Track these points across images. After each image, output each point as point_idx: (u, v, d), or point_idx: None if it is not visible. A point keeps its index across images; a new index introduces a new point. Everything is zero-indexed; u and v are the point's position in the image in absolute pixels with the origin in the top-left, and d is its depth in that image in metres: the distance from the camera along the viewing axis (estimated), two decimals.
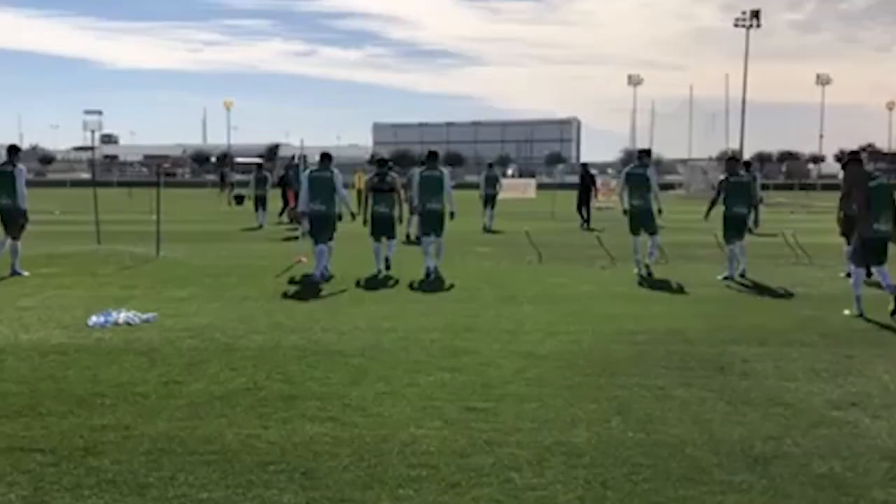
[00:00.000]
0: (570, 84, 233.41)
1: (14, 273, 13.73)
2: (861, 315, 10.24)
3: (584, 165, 30.87)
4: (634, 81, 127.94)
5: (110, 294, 11.84)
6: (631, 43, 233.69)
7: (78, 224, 20.13)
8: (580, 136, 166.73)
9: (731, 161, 15.79)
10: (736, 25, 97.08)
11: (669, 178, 75.27)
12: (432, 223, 14.34)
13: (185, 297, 11.56)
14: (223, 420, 6.06)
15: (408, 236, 19.34)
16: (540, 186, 58.15)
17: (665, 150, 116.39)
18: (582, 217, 26.86)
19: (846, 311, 10.49)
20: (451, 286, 12.85)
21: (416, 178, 14.68)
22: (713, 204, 14.45)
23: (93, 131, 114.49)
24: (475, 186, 29.60)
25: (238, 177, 56.83)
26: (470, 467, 5.14)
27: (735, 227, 14.02)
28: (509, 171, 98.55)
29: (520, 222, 26.36)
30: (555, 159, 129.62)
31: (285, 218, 26.53)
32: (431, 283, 13.21)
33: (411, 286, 12.89)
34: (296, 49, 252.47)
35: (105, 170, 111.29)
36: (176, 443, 5.57)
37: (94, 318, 9.63)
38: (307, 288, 12.56)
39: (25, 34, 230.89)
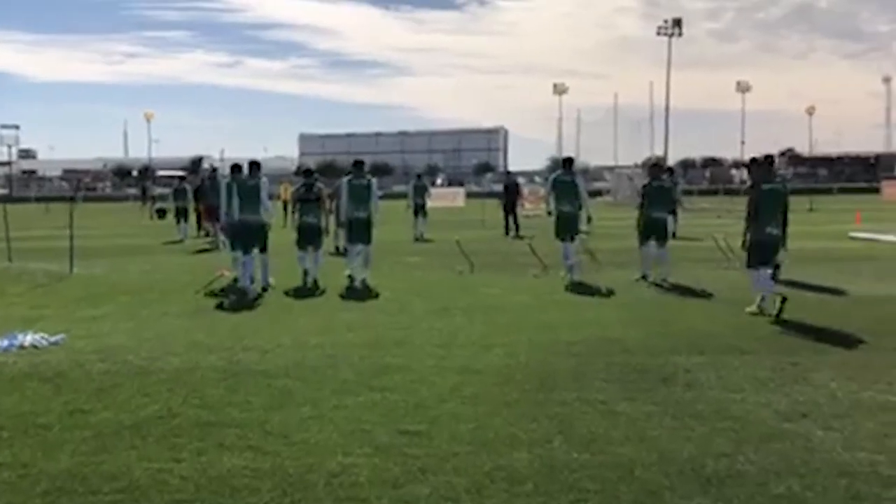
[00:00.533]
0: (497, 94, 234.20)
1: None
2: (762, 313, 10.38)
3: (509, 173, 30.78)
4: (560, 90, 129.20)
5: (18, 314, 11.12)
6: (555, 53, 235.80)
7: None
8: (507, 145, 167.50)
9: (655, 167, 15.95)
10: (658, 34, 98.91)
11: (597, 185, 75.89)
12: (361, 232, 14.21)
13: (99, 317, 10.91)
14: (132, 453, 5.53)
15: (336, 248, 18.83)
16: (469, 195, 58.12)
17: (591, 157, 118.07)
18: (507, 225, 26.68)
19: (747, 309, 10.61)
20: (380, 297, 12.42)
21: (345, 187, 14.51)
22: (642, 209, 14.46)
23: (9, 146, 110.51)
24: (404, 196, 29.16)
25: (160, 190, 55.53)
26: (404, 499, 4.73)
27: (656, 231, 14.16)
28: (438, 181, 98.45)
29: (450, 231, 26.04)
30: (483, 168, 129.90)
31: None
32: (359, 293, 12.79)
33: (340, 297, 12.48)
34: (220, 60, 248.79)
35: (23, 185, 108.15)
36: (78, 481, 5.04)
37: None
38: (230, 303, 12.01)
39: None
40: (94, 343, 9.09)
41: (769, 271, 10.93)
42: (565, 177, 14.77)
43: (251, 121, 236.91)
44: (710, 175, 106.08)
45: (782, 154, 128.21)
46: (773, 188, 10.92)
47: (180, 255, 20.45)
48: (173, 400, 6.77)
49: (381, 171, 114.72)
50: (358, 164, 14.79)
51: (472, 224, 30.22)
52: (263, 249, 13.65)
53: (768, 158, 11.58)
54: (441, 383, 7.26)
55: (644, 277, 13.91)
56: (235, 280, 13.76)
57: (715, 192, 61.95)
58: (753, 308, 10.63)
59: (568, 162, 15.38)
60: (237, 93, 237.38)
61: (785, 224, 10.84)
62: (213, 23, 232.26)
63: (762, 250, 10.81)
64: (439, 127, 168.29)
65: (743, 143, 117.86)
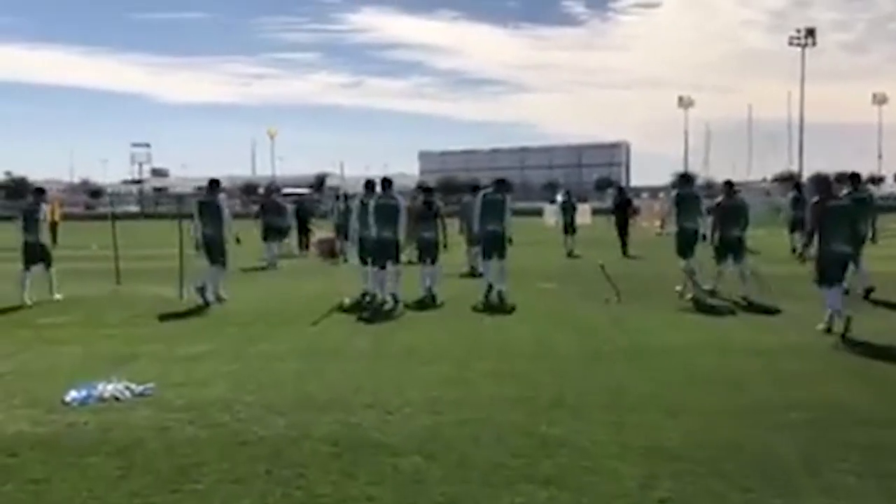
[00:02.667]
0: (619, 109, 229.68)
1: None
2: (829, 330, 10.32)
3: (622, 189, 28.91)
4: (685, 103, 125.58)
5: (110, 351, 9.79)
6: (679, 67, 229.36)
7: (111, 260, 18.29)
8: (630, 160, 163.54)
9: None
10: (790, 44, 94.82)
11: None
12: (495, 245, 14.33)
13: (199, 356, 9.46)
14: None
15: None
16: (593, 212, 55.83)
17: (719, 172, 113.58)
18: (624, 246, 24.85)
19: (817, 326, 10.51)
20: (518, 334, 10.62)
21: (479, 201, 14.73)
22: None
23: (140, 163, 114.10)
24: (526, 213, 27.40)
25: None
26: None
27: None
28: (558, 197, 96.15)
29: (584, 250, 24.49)
30: (605, 184, 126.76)
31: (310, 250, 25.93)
32: (497, 328, 10.99)
33: (474, 333, 10.72)
34: (343, 80, 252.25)
35: (154, 202, 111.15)
36: None
37: (73, 393, 7.51)
38: (346, 338, 10.43)
39: (75, 71, 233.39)
40: (187, 395, 7.58)
41: (840, 289, 10.68)
42: (686, 191, 14.70)
43: (372, 139, 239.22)
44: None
45: None
46: (839, 205, 10.77)
47: (293, 277, 19.01)
48: (270, 491, 5.12)
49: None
50: (499, 182, 15.19)
51: (605, 243, 27.89)
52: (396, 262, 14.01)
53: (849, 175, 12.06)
54: (625, 472, 5.39)
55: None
56: (359, 300, 14.05)
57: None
58: (822, 326, 10.54)
59: (686, 178, 15.37)
60: (359, 112, 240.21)
61: (856, 241, 10.86)
62: (338, 44, 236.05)
63: (831, 268, 10.57)
64: (559, 143, 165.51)
65: (880, 157, 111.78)
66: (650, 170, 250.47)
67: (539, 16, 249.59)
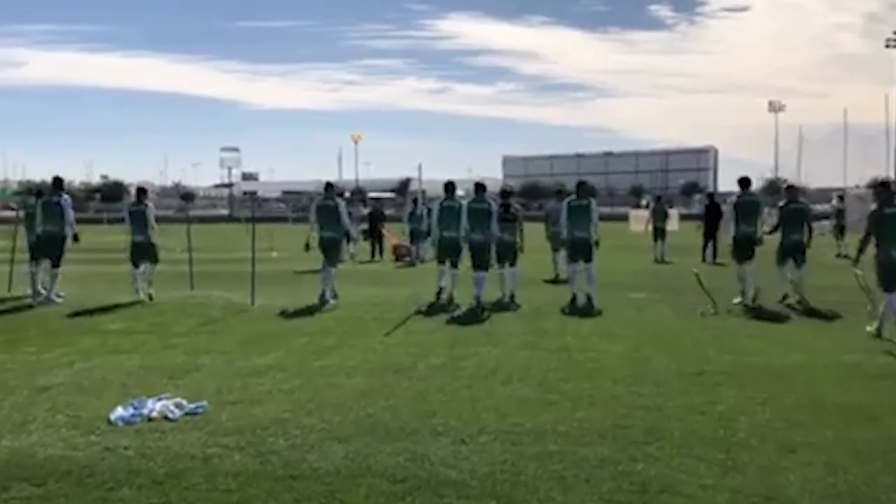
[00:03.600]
0: (707, 114, 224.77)
1: (48, 300, 14.73)
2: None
3: (711, 195, 27.69)
4: (776, 108, 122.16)
5: (170, 362, 9.18)
6: (769, 71, 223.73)
7: (195, 263, 17.98)
8: (717, 165, 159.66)
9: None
10: (888, 46, 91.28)
11: (820, 207, 69.52)
12: (582, 250, 14.27)
13: (262, 369, 8.77)
14: None
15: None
16: (680, 217, 54.17)
17: (813, 178, 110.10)
18: (706, 250, 24.28)
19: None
20: (609, 350, 9.67)
21: (564, 208, 14.62)
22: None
23: (229, 167, 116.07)
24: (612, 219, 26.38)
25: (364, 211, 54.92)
26: None
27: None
28: (643, 202, 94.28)
29: (673, 256, 23.42)
30: (691, 189, 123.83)
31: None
32: (585, 343, 10.04)
33: (560, 349, 9.79)
34: (430, 87, 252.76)
35: (244, 206, 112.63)
36: None
37: (119, 411, 6.88)
38: (420, 351, 9.62)
39: (171, 78, 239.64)
40: (241, 415, 6.88)
41: None
42: (747, 197, 14.58)
43: (458, 144, 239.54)
44: None
45: None
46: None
47: (369, 283, 18.30)
48: None
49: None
50: (581, 185, 14.93)
51: (694, 249, 26.51)
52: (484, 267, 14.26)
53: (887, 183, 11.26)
54: None
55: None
56: (434, 301, 14.25)
57: None
58: (872, 329, 10.71)
59: (746, 182, 14.84)
60: (445, 117, 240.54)
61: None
62: (425, 50, 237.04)
63: (892, 274, 10.58)
64: (645, 148, 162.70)
65: None
66: (737, 176, 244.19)
67: (626, 20, 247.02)
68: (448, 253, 14.56)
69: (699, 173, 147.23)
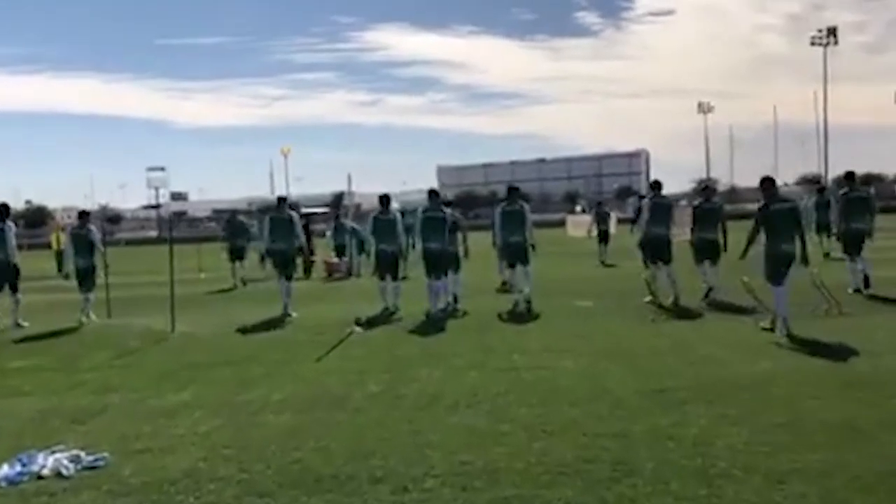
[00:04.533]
0: (636, 118, 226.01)
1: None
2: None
3: (642, 198, 26.96)
4: (704, 109, 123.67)
5: (75, 404, 8.11)
6: (695, 74, 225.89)
7: (119, 288, 16.92)
8: (649, 169, 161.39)
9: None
10: (813, 44, 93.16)
11: (750, 206, 70.34)
12: (518, 254, 14.20)
13: (179, 407, 7.80)
14: None
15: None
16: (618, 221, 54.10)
17: (744, 177, 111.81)
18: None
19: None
20: (561, 365, 8.90)
21: (498, 214, 14.48)
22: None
23: (156, 187, 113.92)
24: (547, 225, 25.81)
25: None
26: None
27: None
28: (578, 208, 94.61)
29: (616, 259, 23.16)
30: (625, 193, 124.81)
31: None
32: (536, 362, 9.22)
33: (510, 369, 8.97)
34: (361, 99, 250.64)
35: (172, 226, 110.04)
36: None
37: (4, 469, 5.88)
38: (356, 378, 8.71)
39: (96, 98, 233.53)
40: (148, 466, 5.91)
41: (784, 289, 10.82)
42: (661, 200, 14.72)
43: (391, 156, 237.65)
44: (875, 191, 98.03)
45: None
46: (782, 208, 11.06)
47: (300, 302, 17.28)
48: None
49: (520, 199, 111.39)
50: (512, 191, 14.86)
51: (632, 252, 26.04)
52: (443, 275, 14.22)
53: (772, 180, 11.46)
54: None
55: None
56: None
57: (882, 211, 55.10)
58: (766, 324, 10.88)
59: (657, 185, 15.22)
60: (377, 130, 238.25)
61: (802, 241, 11.01)
62: (355, 63, 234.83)
63: (779, 267, 10.86)
64: (577, 153, 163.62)
65: None
66: (670, 178, 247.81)
67: (553, 27, 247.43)
68: (386, 267, 14.53)
69: (632, 177, 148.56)
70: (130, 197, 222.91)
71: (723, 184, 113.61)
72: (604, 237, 25.85)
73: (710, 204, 14.76)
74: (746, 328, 11.08)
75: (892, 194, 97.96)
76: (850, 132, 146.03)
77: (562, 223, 57.88)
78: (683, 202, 71.92)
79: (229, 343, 11.86)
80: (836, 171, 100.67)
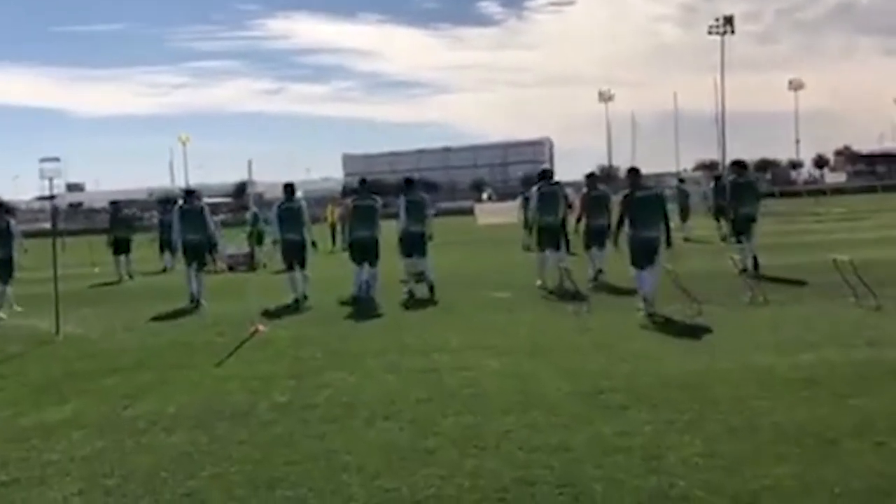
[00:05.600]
0: (540, 106, 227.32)
1: None
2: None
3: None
4: (605, 97, 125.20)
5: None
6: (596, 63, 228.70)
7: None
8: (554, 156, 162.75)
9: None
10: (710, 33, 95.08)
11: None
12: (418, 245, 14.38)
13: (57, 426, 6.80)
14: None
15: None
16: None
17: (646, 164, 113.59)
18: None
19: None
20: (486, 365, 8.18)
21: (402, 204, 14.53)
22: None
23: (50, 178, 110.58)
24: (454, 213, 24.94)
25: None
26: None
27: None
28: (484, 195, 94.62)
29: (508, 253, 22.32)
30: (530, 181, 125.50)
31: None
32: (460, 362, 8.46)
33: (431, 371, 8.21)
34: (264, 87, 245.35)
35: (68, 218, 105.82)
36: None
37: None
38: (260, 385, 7.83)
39: None
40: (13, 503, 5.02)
41: (648, 272, 11.24)
42: (549, 188, 14.84)
43: (295, 145, 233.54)
44: (771, 176, 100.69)
45: (839, 153, 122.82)
46: (647, 195, 11.53)
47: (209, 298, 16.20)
48: None
49: (427, 188, 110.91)
50: (409, 182, 15.55)
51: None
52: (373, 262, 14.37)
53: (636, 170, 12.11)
54: None
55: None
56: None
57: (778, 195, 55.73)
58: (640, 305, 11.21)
59: (545, 174, 15.53)
60: (281, 118, 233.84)
61: (667, 227, 11.49)
62: (257, 51, 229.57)
63: (642, 252, 11.29)
64: (483, 142, 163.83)
65: (798, 142, 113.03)
66: (573, 165, 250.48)
67: (456, 17, 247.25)
68: (293, 255, 14.37)
69: (536, 165, 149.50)
70: (25, 188, 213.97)
71: (623, 171, 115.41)
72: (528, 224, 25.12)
73: (597, 192, 15.52)
74: (675, 322, 10.58)
75: (787, 179, 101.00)
76: (747, 119, 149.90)
77: (470, 211, 57.41)
78: (570, 190, 72.60)
79: (119, 346, 10.81)
80: (733, 156, 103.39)
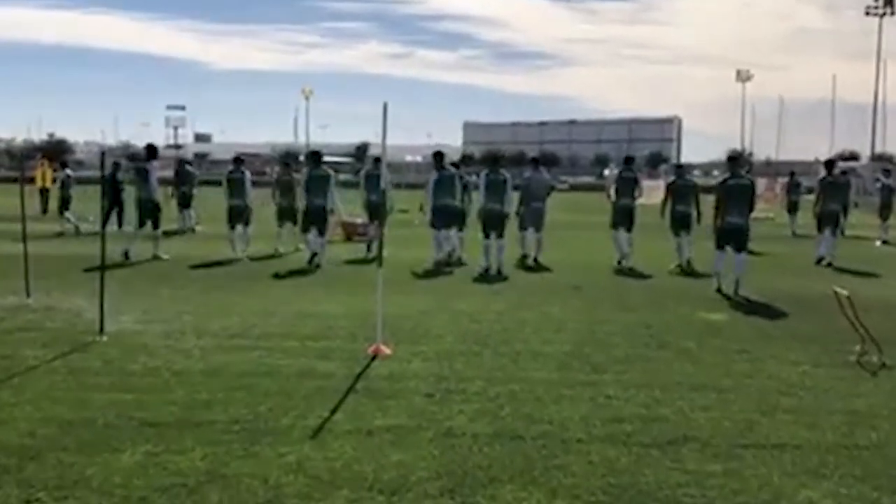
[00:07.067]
0: (668, 84, 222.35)
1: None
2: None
3: (680, 167, 21.05)
4: (744, 77, 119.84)
5: None
6: (730, 44, 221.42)
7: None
8: (681, 136, 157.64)
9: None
10: (867, 14, 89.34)
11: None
12: (495, 225, 14.33)
13: None
14: None
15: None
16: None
17: (784, 151, 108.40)
18: None
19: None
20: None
21: (483, 181, 14.72)
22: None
23: (175, 127, 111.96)
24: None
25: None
26: None
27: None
28: (606, 172, 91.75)
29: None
30: (656, 160, 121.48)
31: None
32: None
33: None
34: (393, 51, 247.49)
35: (195, 168, 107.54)
36: None
37: None
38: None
39: (127, 36, 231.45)
40: None
41: (727, 254, 12.05)
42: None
43: (418, 110, 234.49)
44: None
45: None
46: (737, 183, 12.22)
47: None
48: None
49: (549, 161, 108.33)
50: (496, 159, 17.24)
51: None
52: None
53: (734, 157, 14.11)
54: None
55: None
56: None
57: None
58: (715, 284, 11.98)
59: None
60: (408, 83, 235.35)
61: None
62: (389, 14, 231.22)
63: (726, 237, 12.10)
64: (609, 117, 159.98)
65: None
66: (700, 147, 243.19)
67: None
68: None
69: (663, 143, 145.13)
70: (155, 136, 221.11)
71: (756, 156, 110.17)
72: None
73: (684, 181, 15.81)
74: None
75: None
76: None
77: (593, 188, 54.98)
78: (717, 173, 68.60)
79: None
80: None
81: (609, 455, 5.13)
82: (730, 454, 5.17)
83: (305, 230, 15.10)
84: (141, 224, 15.45)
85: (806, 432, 5.60)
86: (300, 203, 15.53)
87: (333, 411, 5.93)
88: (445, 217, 15.09)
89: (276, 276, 13.57)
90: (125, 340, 8.25)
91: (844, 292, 7.99)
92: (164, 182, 17.04)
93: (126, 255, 14.74)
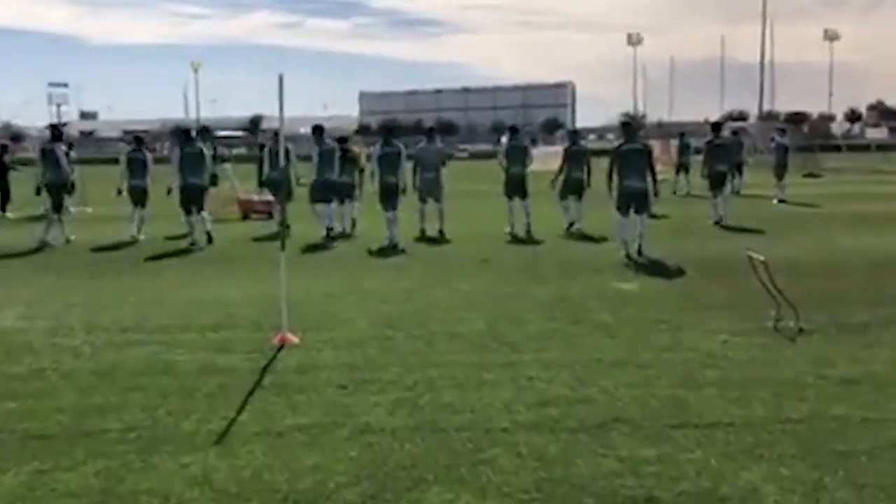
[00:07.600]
0: (561, 49, 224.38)
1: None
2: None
3: (575, 132, 20.60)
4: (634, 41, 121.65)
5: None
6: (619, 8, 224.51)
7: None
8: (575, 101, 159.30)
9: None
10: None
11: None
12: (389, 197, 14.33)
13: None
14: None
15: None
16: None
17: (676, 112, 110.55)
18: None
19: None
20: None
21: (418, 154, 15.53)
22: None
23: (58, 104, 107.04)
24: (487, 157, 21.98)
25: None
26: None
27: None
28: (503, 139, 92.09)
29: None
30: (551, 125, 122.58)
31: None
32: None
33: None
34: (283, 20, 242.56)
35: (80, 146, 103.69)
36: None
37: None
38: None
39: (5, 10, 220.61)
40: None
41: (630, 219, 12.21)
42: (514, 142, 16.28)
43: (312, 81, 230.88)
44: (808, 130, 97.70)
45: (872, 107, 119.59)
46: (631, 148, 12.45)
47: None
48: None
49: (446, 129, 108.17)
50: (431, 131, 16.40)
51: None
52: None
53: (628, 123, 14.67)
54: None
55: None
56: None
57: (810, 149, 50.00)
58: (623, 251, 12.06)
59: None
60: (299, 53, 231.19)
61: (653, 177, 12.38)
62: None
63: (626, 200, 12.24)
64: (503, 84, 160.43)
65: (831, 95, 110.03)
66: (594, 112, 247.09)
67: None
68: (339, 192, 15.52)
69: (558, 109, 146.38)
70: (36, 115, 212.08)
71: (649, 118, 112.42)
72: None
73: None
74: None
75: (825, 133, 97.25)
76: (777, 70, 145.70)
77: (492, 156, 54.85)
78: (611, 136, 69.52)
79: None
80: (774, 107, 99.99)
81: (537, 444, 4.85)
82: (661, 436, 4.95)
83: (187, 211, 14.48)
84: (57, 208, 14.89)
85: (735, 408, 5.41)
86: (175, 182, 14.82)
87: (239, 411, 5.50)
88: (326, 191, 15.16)
89: (170, 258, 12.95)
90: (6, 339, 7.66)
91: (760, 257, 7.90)
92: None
93: (44, 243, 14.29)
